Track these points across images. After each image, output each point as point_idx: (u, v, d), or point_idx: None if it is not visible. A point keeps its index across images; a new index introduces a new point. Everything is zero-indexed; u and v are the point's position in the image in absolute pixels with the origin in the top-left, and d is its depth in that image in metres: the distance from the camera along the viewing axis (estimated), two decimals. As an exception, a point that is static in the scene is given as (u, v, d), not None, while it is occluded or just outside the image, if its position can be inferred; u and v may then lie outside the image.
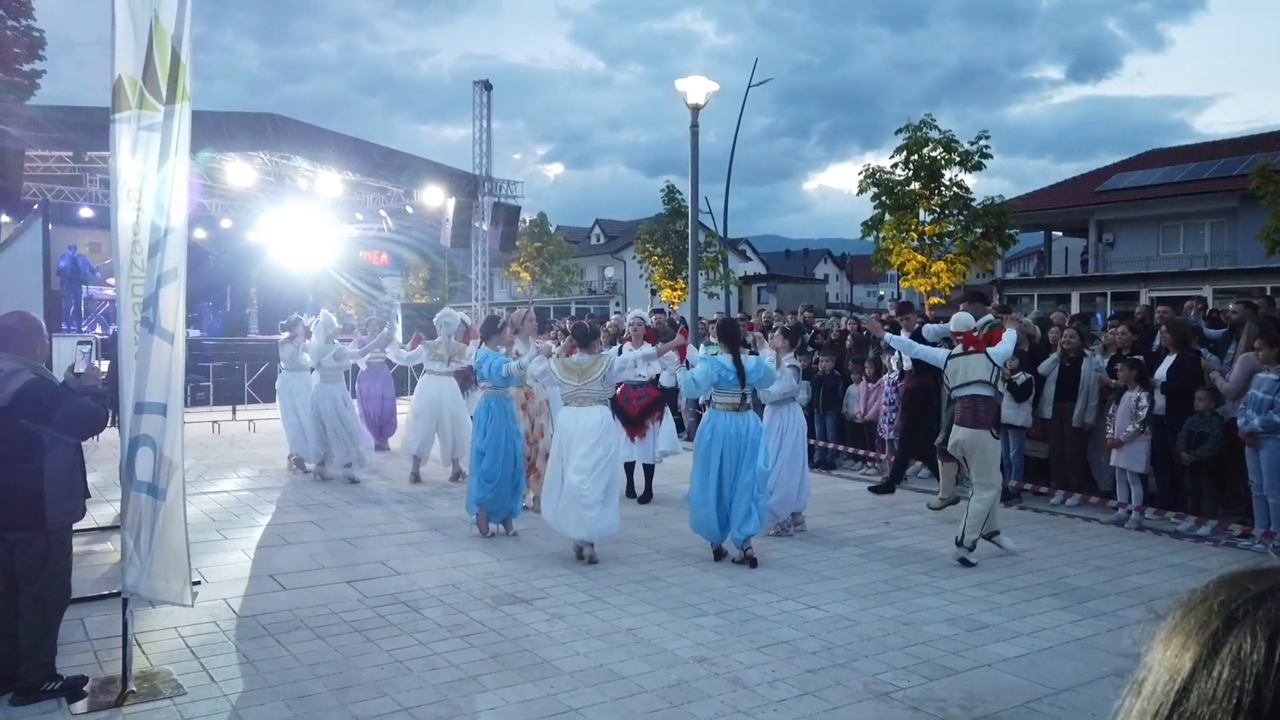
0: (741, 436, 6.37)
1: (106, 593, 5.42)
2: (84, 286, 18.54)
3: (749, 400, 6.55)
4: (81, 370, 4.28)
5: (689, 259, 13.68)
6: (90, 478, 4.53)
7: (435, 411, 9.33)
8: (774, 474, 6.87)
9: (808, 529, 7.40)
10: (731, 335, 6.61)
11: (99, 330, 16.98)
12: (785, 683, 4.32)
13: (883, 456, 9.96)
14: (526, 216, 29.30)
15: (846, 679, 4.38)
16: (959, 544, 6.42)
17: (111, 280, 19.25)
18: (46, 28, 24.02)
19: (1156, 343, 8.29)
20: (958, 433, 6.58)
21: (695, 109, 13.11)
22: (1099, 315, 21.87)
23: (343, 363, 9.69)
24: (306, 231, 19.95)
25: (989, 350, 6.61)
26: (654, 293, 33.17)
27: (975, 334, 6.88)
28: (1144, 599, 5.66)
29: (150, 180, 3.94)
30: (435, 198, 18.01)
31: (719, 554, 6.51)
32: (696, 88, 13.15)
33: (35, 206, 16.72)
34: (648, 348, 7.15)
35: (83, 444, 4.34)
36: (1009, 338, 6.85)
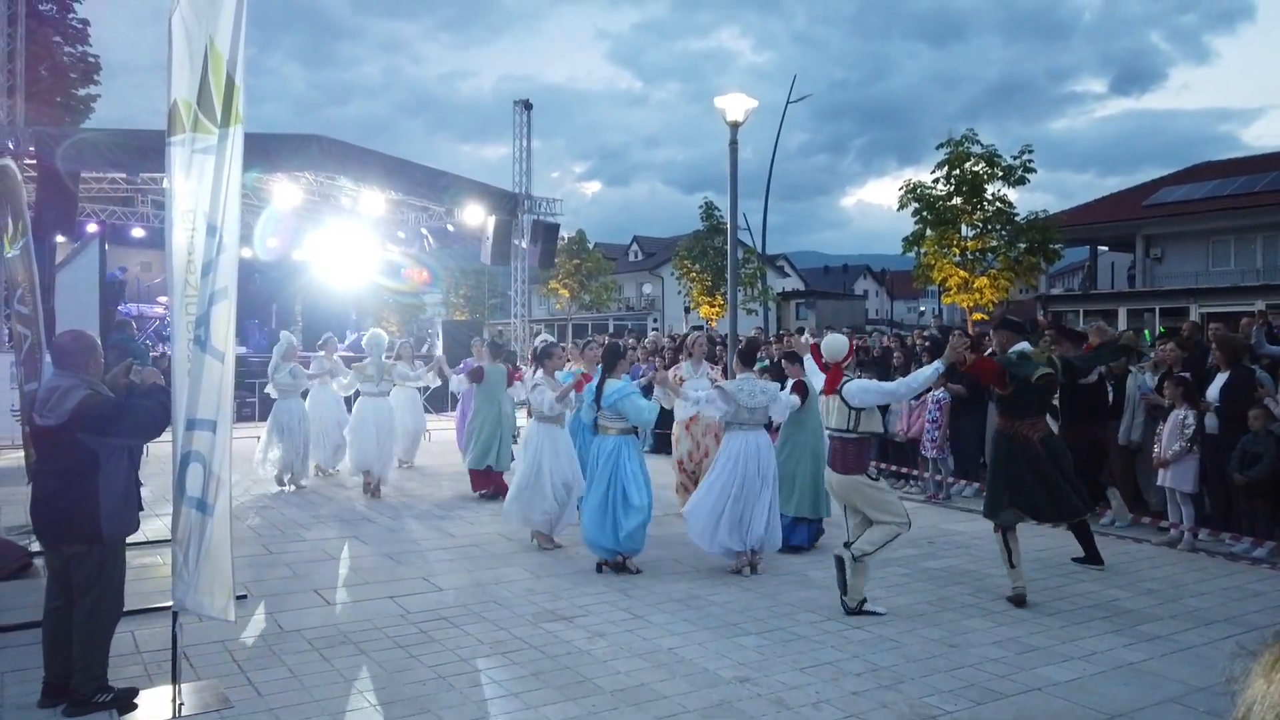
0: (613, 456, 6.60)
1: (156, 606, 5.52)
2: (130, 305, 19.05)
3: (603, 425, 6.70)
4: (141, 371, 4.42)
5: (728, 276, 13.67)
6: (141, 492, 4.62)
7: (373, 431, 9.69)
8: (722, 504, 6.46)
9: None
10: (608, 359, 6.86)
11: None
12: (830, 704, 4.27)
13: (925, 474, 9.84)
14: (565, 234, 29.49)
15: (892, 701, 4.31)
16: (848, 546, 5.60)
17: (161, 298, 19.71)
18: (102, 53, 24.74)
19: (1210, 360, 8.09)
20: (830, 477, 5.81)
21: (734, 126, 13.11)
22: (1146, 331, 21.47)
23: (298, 381, 10.14)
24: (350, 250, 20.26)
25: (843, 391, 5.64)
26: (687, 310, 33.17)
27: (844, 364, 5.82)
28: (1199, 623, 5.52)
29: (204, 201, 4.02)
30: (476, 216, 18.20)
31: (601, 567, 6.64)
32: (735, 105, 13.14)
33: (92, 228, 17.23)
34: (553, 390, 7.30)
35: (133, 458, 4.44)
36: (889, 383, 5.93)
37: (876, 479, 5.86)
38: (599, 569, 6.60)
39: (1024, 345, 6.05)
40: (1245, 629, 5.42)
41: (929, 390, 9.51)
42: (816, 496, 7.22)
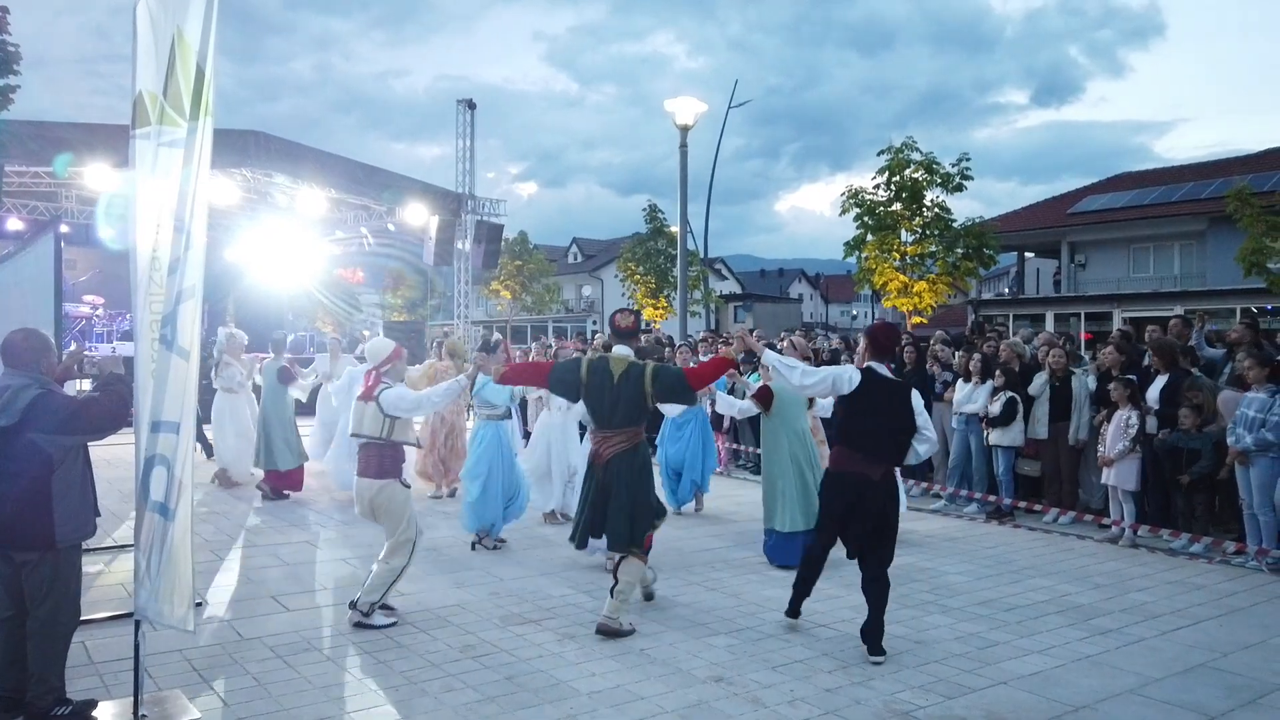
0: (494, 440, 7.54)
1: (107, 615, 5.32)
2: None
3: (481, 413, 7.60)
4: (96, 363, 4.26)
5: (678, 278, 13.73)
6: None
7: (229, 427, 10.06)
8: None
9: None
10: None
11: (74, 346, 16.76)
12: (806, 702, 4.31)
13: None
14: (507, 235, 29.27)
15: (866, 698, 4.38)
16: (354, 606, 5.38)
17: (87, 297, 18.92)
18: (20, 44, 23.70)
19: (1146, 362, 8.39)
20: (364, 486, 5.47)
21: (684, 129, 13.20)
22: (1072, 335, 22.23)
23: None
24: (285, 249, 19.79)
25: (380, 399, 5.42)
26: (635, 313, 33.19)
27: (375, 372, 5.60)
28: (1148, 616, 5.71)
29: (171, 196, 3.89)
30: (418, 216, 17.96)
31: (476, 545, 7.41)
32: (685, 108, 13.24)
33: (13, 224, 16.54)
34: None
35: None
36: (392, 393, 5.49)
37: (409, 486, 5.66)
38: (474, 548, 7.36)
39: (624, 349, 5.58)
40: (1192, 621, 5.63)
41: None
42: (809, 505, 6.55)
